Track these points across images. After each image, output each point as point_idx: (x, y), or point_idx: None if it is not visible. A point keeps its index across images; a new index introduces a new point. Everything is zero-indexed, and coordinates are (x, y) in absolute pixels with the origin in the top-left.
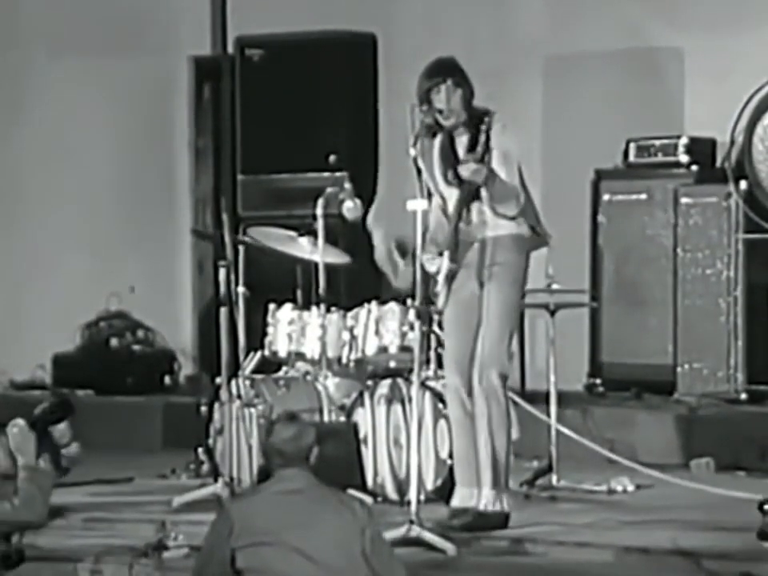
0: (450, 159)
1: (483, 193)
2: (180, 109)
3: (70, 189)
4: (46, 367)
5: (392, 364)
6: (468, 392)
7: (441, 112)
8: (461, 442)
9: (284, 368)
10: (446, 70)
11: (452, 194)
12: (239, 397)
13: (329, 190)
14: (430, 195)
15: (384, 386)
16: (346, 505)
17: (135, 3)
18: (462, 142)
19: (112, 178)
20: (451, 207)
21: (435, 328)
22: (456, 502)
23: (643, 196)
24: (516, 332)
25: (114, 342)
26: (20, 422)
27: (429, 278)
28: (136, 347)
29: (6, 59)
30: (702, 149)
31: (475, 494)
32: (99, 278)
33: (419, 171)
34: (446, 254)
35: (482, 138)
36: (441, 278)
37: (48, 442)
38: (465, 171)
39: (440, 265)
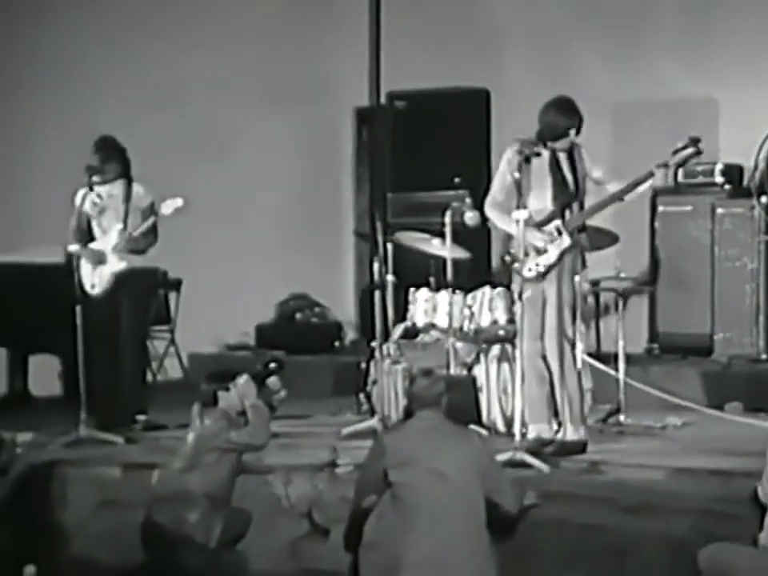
0: (558, 177)
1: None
2: (345, 145)
3: (269, 205)
4: (250, 333)
5: (501, 333)
6: (541, 355)
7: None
8: (535, 392)
9: (421, 335)
10: (577, 116)
11: (531, 203)
12: (389, 356)
13: (454, 203)
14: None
15: (495, 349)
16: (468, 436)
17: (314, 67)
18: (563, 158)
19: (299, 197)
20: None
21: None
22: (532, 434)
23: (689, 208)
24: (583, 308)
25: (298, 315)
26: (245, 375)
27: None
28: (314, 320)
29: (225, 111)
30: (733, 172)
31: (547, 429)
32: (289, 269)
33: (519, 189)
34: (566, 235)
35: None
36: (555, 254)
37: (264, 390)
38: (570, 225)
39: (548, 242)
